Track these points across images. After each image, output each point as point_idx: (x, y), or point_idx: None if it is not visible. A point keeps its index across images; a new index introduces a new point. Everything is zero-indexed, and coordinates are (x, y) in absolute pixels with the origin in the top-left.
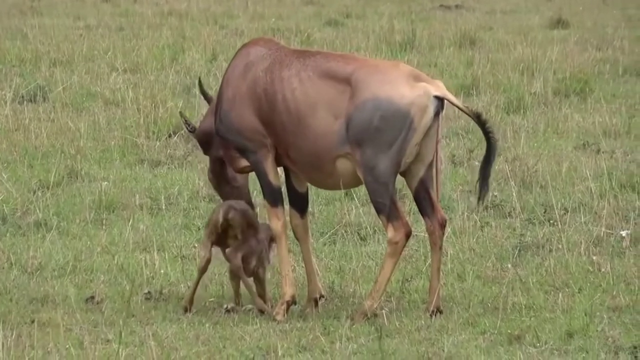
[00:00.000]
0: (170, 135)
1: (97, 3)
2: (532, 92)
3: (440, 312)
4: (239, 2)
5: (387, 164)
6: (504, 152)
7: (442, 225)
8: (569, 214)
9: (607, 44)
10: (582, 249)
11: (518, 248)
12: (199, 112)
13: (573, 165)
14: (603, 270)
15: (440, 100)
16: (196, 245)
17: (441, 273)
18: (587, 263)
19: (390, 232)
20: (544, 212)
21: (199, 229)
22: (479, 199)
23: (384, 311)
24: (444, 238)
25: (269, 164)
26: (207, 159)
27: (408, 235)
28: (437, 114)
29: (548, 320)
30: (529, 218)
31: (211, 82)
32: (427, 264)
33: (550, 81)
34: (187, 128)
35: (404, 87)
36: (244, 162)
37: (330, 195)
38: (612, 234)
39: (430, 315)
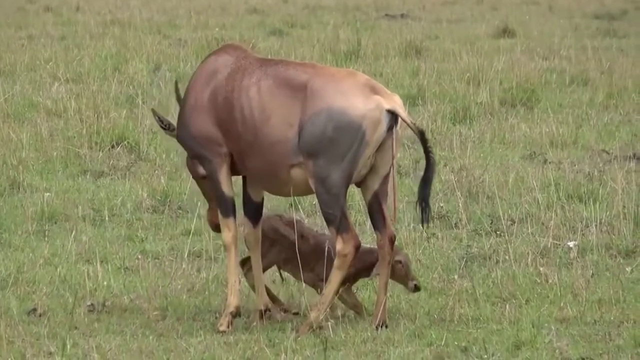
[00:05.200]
0: (113, 146)
1: (39, 12)
2: (478, 102)
3: (386, 326)
4: (183, 11)
5: (339, 175)
6: (450, 162)
7: (392, 241)
8: (515, 224)
9: (554, 53)
10: (529, 260)
11: (465, 259)
12: (142, 123)
13: (520, 175)
14: (550, 281)
15: (393, 114)
16: (139, 256)
17: (388, 286)
18: (535, 274)
19: (340, 244)
20: (491, 223)
21: (142, 241)
22: (422, 220)
23: (329, 323)
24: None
25: (222, 174)
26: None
27: (357, 247)
28: (390, 128)
29: (495, 332)
30: (475, 229)
31: (154, 92)
32: None
33: (496, 91)
34: (161, 125)
35: (358, 98)
36: (202, 170)
37: (274, 206)
38: (560, 245)
39: (376, 328)
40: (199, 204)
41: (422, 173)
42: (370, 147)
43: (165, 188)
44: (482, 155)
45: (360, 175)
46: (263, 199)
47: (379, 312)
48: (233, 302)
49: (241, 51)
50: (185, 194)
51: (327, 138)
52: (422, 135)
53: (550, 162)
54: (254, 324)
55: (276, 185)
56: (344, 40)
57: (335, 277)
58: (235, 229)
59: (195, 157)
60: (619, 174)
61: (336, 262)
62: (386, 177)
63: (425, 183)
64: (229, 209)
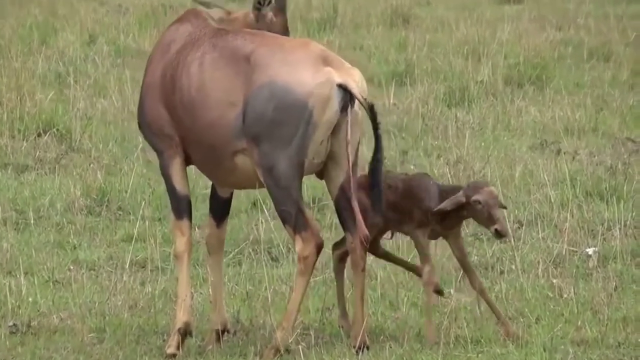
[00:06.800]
0: (39, 135)
1: None
2: (478, 80)
3: (368, 348)
4: None
5: (287, 164)
6: (444, 153)
7: (364, 243)
8: (523, 228)
9: (569, 22)
10: (540, 270)
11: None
12: (74, 106)
13: (529, 169)
14: (565, 296)
15: (347, 91)
16: (71, 267)
17: (367, 300)
18: (547, 287)
19: (299, 245)
20: None
21: (75, 248)
22: (373, 209)
23: (300, 346)
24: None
25: (175, 167)
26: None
27: (319, 247)
28: (345, 108)
29: (499, 357)
30: (475, 233)
31: (89, 69)
32: (351, 289)
33: (500, 67)
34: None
35: (306, 72)
36: None
37: (235, 207)
38: (576, 252)
39: (357, 352)
40: (143, 203)
41: (412, 166)
42: (321, 129)
43: (103, 185)
44: (483, 144)
45: (316, 164)
46: (231, 195)
47: (359, 332)
48: (182, 317)
49: (202, 20)
50: (126, 191)
51: (269, 119)
52: (371, 110)
53: (564, 153)
54: (210, 347)
55: (222, 176)
56: (317, 7)
57: (299, 284)
58: (189, 233)
59: (151, 147)
60: None
61: (298, 266)
62: (353, 167)
63: (376, 167)
64: (182, 210)
